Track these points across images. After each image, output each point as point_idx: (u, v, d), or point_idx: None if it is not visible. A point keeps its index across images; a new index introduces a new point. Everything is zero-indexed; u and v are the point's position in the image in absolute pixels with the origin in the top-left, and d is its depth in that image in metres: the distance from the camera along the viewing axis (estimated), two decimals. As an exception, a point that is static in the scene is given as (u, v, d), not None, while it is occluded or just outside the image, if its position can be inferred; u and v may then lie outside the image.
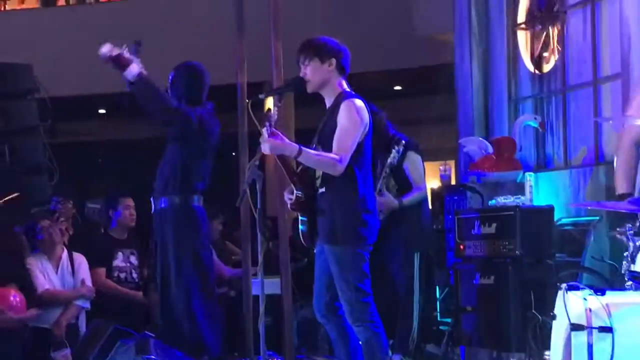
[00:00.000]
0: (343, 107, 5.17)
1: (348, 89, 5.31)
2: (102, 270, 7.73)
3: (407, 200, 6.90)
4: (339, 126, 5.14)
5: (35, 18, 15.95)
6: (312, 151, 5.16)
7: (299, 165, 5.27)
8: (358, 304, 5.16)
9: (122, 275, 7.84)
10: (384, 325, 5.29)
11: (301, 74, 5.29)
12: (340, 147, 5.10)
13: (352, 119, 5.14)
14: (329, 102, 5.32)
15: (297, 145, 5.07)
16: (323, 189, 5.20)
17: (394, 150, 6.71)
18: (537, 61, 8.82)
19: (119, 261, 7.86)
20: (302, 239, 5.36)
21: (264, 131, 5.02)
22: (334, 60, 5.26)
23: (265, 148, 5.05)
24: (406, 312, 6.92)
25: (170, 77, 6.66)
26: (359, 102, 5.21)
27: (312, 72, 5.27)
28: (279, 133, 5.08)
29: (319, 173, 5.22)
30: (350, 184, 5.16)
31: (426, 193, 7.21)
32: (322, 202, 5.21)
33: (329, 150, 5.14)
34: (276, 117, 5.08)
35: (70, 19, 15.82)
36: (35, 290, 7.26)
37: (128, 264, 7.87)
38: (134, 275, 7.90)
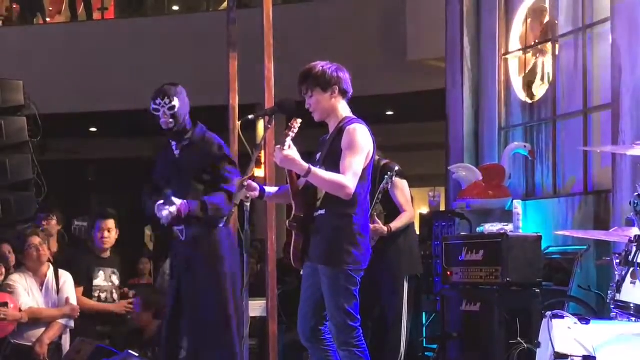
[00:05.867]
0: (349, 131, 5.14)
1: (351, 114, 5.28)
2: (79, 290, 7.68)
3: (396, 226, 6.91)
4: (345, 150, 5.11)
5: (27, 35, 15.95)
6: (323, 171, 5.11)
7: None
8: (346, 327, 5.13)
9: (103, 295, 7.78)
10: (370, 350, 5.27)
11: (306, 106, 5.26)
12: (349, 171, 5.07)
13: (359, 143, 5.11)
14: (332, 127, 5.30)
15: (307, 165, 5.03)
16: (322, 211, 5.18)
17: (386, 177, 6.72)
18: (528, 89, 8.85)
19: (100, 280, 7.80)
20: (292, 259, 5.34)
21: (287, 140, 4.96)
22: (336, 88, 5.23)
23: (277, 159, 5.03)
24: (395, 338, 6.91)
25: (177, 104, 6.11)
26: (363, 127, 5.18)
27: (316, 102, 5.23)
28: (295, 149, 5.03)
29: (320, 194, 5.20)
30: (350, 208, 5.12)
31: (413, 217, 7.22)
32: (320, 223, 5.18)
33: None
34: (295, 130, 5.01)
35: (62, 37, 15.85)
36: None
37: (109, 284, 7.82)
38: (115, 295, 7.83)
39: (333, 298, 5.14)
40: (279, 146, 5.00)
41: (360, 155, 5.11)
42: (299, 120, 5.00)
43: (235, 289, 5.97)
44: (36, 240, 7.42)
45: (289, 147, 4.99)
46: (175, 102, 6.09)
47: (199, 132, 6.20)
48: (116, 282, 7.86)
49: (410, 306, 6.97)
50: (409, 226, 7.09)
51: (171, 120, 6.10)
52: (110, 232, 7.81)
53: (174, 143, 6.20)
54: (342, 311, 5.12)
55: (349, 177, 5.05)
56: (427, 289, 8.16)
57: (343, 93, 5.27)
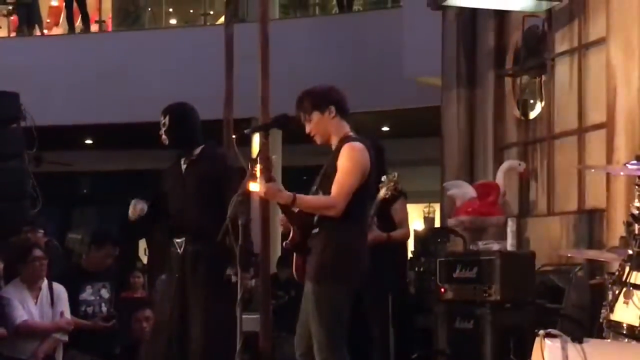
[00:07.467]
0: (344, 150, 5.15)
1: (351, 132, 5.27)
2: None
3: (394, 236, 6.91)
4: (339, 169, 5.13)
5: (24, 47, 15.96)
6: (308, 197, 5.16)
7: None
8: (326, 346, 5.09)
9: (90, 309, 7.71)
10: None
11: (307, 131, 5.27)
12: (338, 190, 5.08)
13: (352, 163, 5.11)
14: (334, 145, 5.29)
15: (291, 194, 5.05)
16: (316, 230, 5.20)
17: (382, 189, 6.71)
18: (523, 107, 8.87)
19: (86, 295, 7.74)
20: (295, 274, 5.35)
21: (260, 178, 4.98)
22: (332, 108, 5.23)
23: (261, 192, 5.05)
24: (381, 354, 6.90)
25: (167, 122, 6.23)
26: (359, 146, 5.16)
27: (315, 125, 5.25)
28: (276, 179, 5.05)
29: (316, 215, 5.22)
30: (343, 226, 5.12)
31: (409, 236, 7.22)
32: (314, 242, 5.21)
33: (328, 193, 5.15)
34: (272, 165, 5.03)
35: (59, 49, 15.86)
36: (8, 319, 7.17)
37: (97, 298, 7.75)
38: (104, 308, 7.76)
39: (316, 314, 5.13)
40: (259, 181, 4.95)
41: (354, 174, 5.10)
42: (273, 157, 4.99)
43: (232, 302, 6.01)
44: (38, 252, 7.37)
45: (270, 179, 4.96)
46: (166, 120, 6.20)
47: (209, 148, 6.26)
48: (106, 295, 7.81)
49: (396, 323, 6.96)
50: (401, 245, 7.08)
51: (164, 137, 6.19)
52: (111, 258, 7.82)
53: (182, 158, 6.25)
54: (323, 329, 5.11)
55: (336, 196, 5.07)
56: (419, 305, 8.14)
57: (340, 111, 5.26)
